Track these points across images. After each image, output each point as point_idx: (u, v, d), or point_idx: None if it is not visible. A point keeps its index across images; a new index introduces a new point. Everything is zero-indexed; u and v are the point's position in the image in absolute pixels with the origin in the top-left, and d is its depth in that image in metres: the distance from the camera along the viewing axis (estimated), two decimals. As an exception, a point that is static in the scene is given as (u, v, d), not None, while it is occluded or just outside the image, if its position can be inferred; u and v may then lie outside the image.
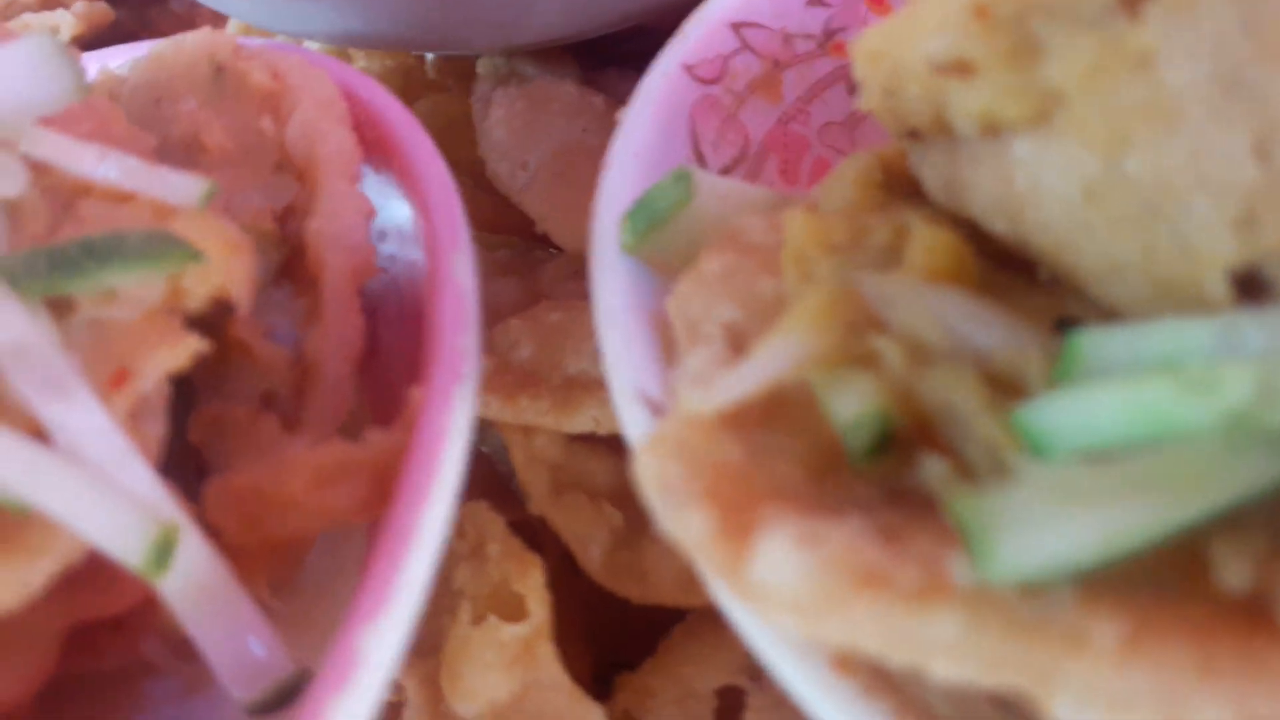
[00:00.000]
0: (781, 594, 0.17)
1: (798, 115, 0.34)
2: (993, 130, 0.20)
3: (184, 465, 0.27)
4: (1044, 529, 0.17)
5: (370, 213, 0.29)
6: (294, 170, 0.30)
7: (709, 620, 0.33)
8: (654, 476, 0.20)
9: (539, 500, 0.33)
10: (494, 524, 0.32)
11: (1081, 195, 0.19)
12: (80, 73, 0.25)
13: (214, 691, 0.25)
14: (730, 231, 0.26)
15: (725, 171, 0.32)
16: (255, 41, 0.35)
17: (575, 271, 0.36)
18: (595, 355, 0.33)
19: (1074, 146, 0.18)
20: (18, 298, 0.22)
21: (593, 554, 0.33)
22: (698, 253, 0.26)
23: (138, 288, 0.24)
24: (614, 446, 0.34)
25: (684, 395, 0.20)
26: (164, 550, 0.21)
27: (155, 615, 0.27)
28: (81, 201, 0.26)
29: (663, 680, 0.31)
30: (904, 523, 0.19)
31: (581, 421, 0.31)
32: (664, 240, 0.27)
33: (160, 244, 0.25)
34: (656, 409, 0.23)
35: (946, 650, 0.17)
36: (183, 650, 0.28)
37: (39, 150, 0.25)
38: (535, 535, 0.34)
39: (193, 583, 0.22)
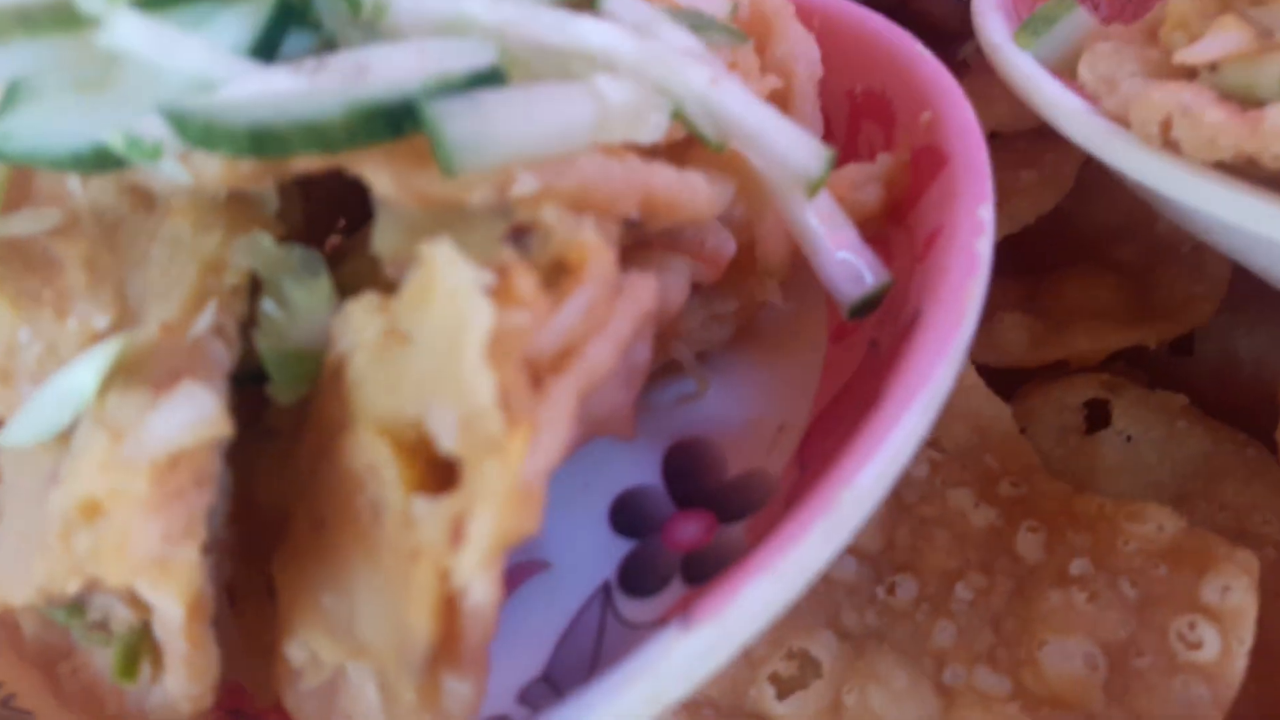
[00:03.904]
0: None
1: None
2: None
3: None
4: None
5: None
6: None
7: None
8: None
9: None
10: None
11: None
12: None
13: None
14: (1100, 32, 0.37)
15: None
16: None
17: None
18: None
19: None
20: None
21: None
22: (1070, 48, 0.37)
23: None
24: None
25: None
26: (827, 174, 0.30)
27: (683, 325, 0.36)
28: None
29: (1042, 399, 0.40)
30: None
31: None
32: (1051, 41, 0.37)
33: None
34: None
35: None
36: (702, 357, 0.37)
37: None
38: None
39: (823, 204, 0.30)
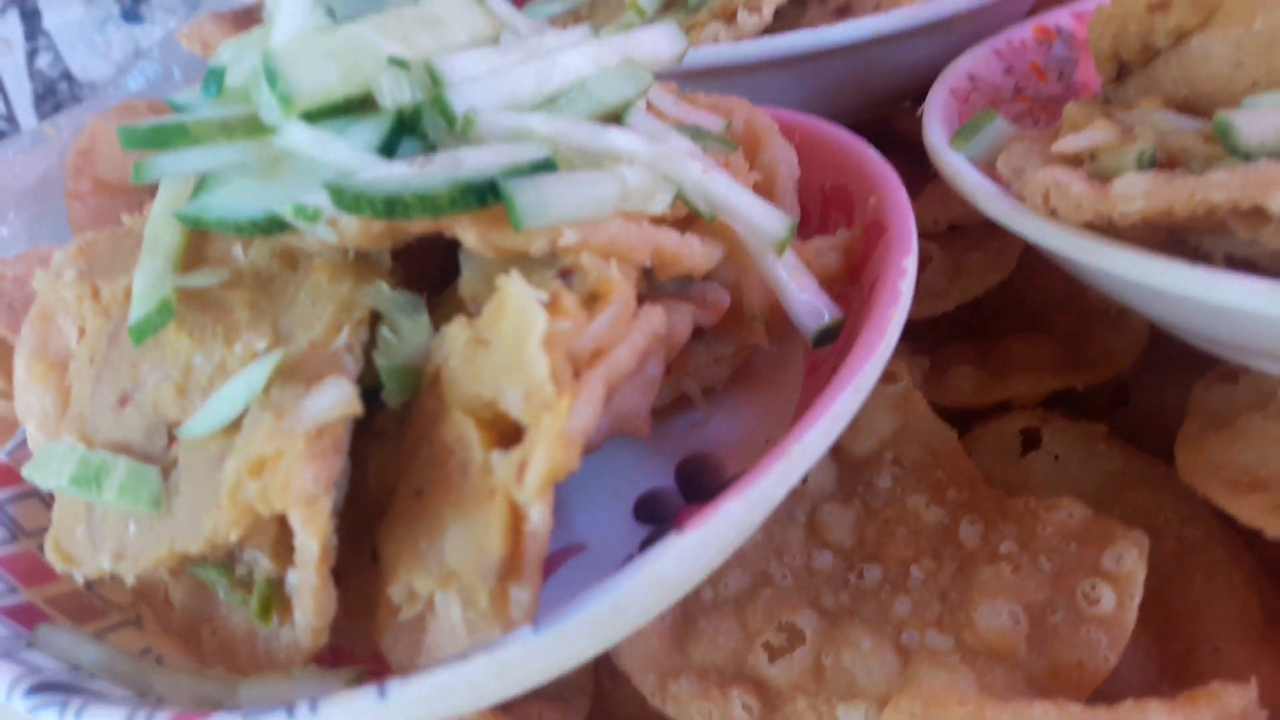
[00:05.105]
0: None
1: (1006, 128, 0.56)
2: (1179, 37, 0.42)
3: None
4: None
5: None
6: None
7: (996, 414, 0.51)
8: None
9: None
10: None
11: (1233, 49, 0.40)
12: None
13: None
14: (1017, 136, 0.48)
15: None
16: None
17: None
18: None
19: (1227, 23, 0.40)
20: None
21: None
22: (994, 149, 0.48)
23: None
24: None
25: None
26: (790, 237, 0.40)
27: (691, 365, 0.46)
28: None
29: (985, 430, 0.49)
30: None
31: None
32: (978, 143, 0.48)
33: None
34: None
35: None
36: (708, 393, 0.46)
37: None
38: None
39: (789, 260, 0.41)
